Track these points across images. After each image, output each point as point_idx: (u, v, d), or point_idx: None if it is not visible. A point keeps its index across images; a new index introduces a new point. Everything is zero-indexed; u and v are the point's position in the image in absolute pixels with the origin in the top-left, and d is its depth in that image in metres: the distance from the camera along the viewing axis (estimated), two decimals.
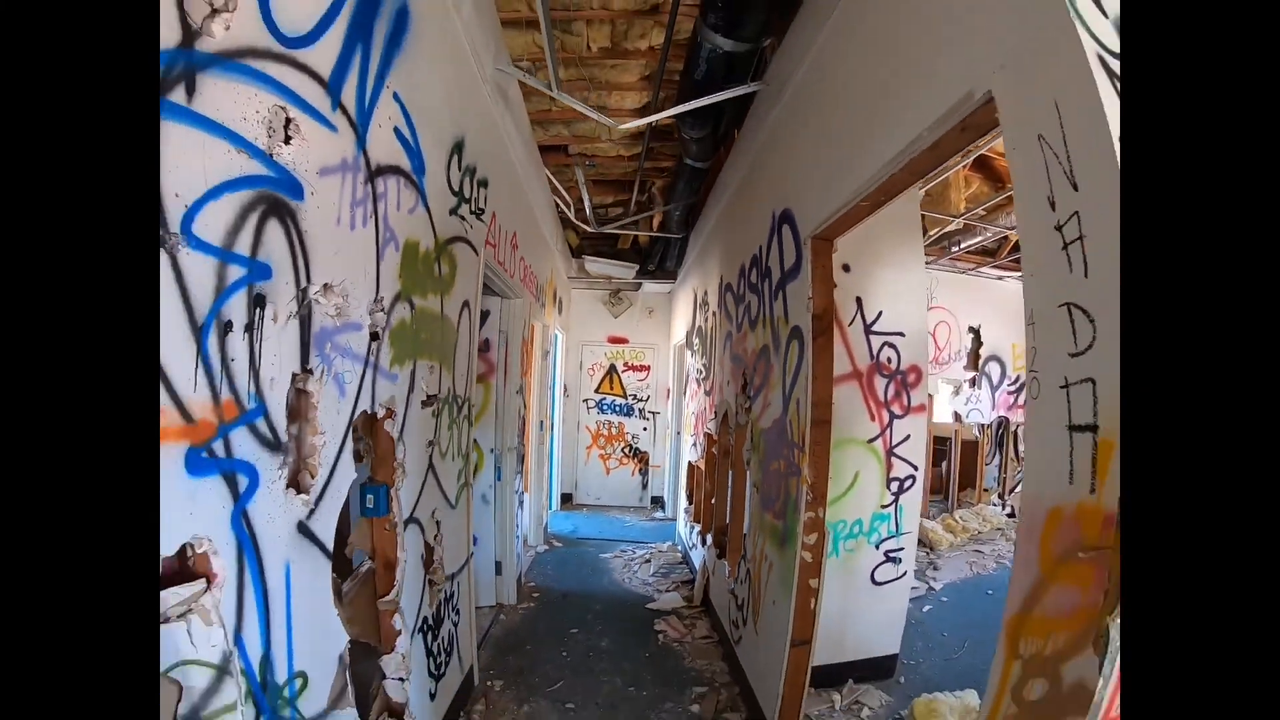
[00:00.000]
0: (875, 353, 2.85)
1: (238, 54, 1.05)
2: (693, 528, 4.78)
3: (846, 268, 2.83)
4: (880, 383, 2.87)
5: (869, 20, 1.85)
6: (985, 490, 6.95)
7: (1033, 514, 1.08)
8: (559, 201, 5.02)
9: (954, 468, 6.59)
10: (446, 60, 2.14)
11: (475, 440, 3.00)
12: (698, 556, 4.41)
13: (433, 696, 2.28)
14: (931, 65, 1.47)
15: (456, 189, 2.30)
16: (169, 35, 0.90)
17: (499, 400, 3.66)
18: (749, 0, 2.45)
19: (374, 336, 1.57)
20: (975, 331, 6.73)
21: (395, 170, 1.69)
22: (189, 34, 0.94)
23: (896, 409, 2.91)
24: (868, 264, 2.87)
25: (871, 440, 2.84)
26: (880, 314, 2.88)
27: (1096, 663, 0.95)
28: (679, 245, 5.91)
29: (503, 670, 3.14)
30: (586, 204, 4.67)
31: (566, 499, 7.49)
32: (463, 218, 2.41)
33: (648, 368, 7.60)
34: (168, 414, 0.90)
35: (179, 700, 1.06)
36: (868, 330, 2.84)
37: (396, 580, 1.81)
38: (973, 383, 6.83)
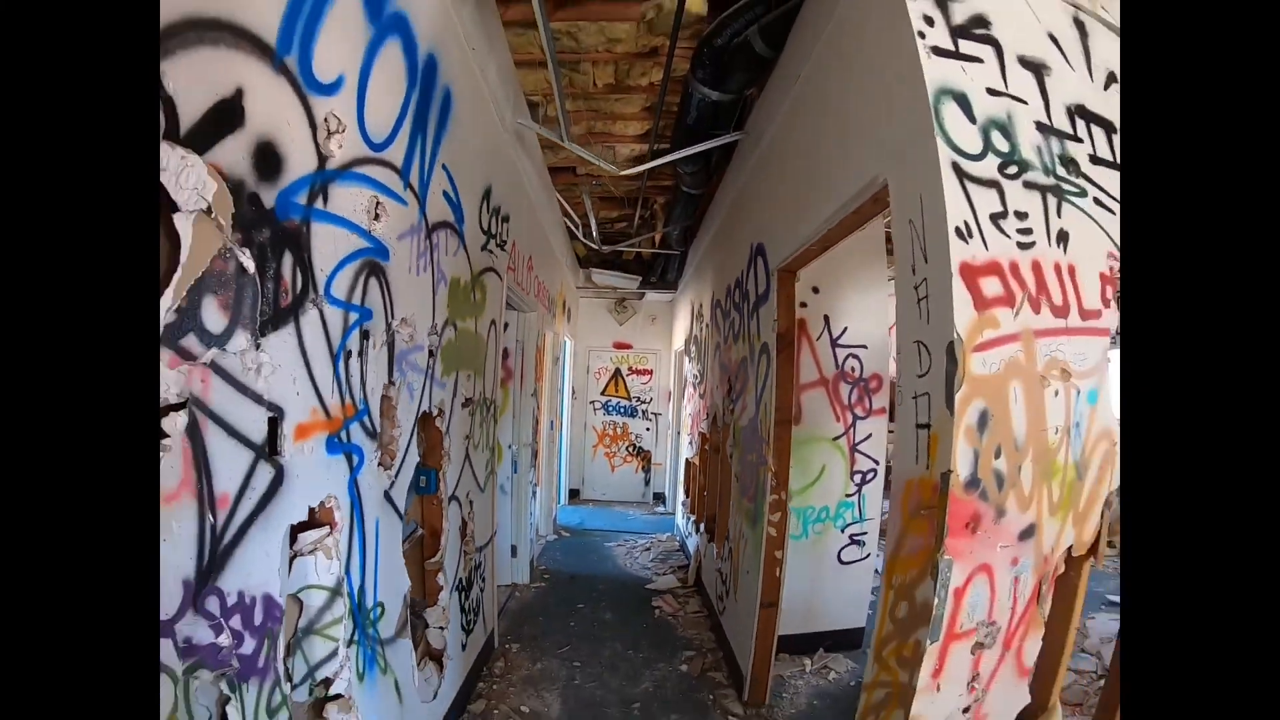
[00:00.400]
0: (840, 363, 3.31)
1: (349, 165, 1.52)
2: (689, 519, 5.25)
3: (816, 289, 3.29)
4: (845, 389, 3.33)
5: (816, 101, 2.31)
6: None
7: (898, 485, 1.55)
8: (567, 221, 5.50)
9: None
10: (478, 123, 2.62)
11: (497, 437, 3.48)
12: (693, 544, 4.88)
13: (463, 648, 2.76)
14: (855, 149, 1.94)
15: (486, 228, 2.79)
16: (309, 162, 1.38)
17: (516, 402, 4.14)
18: (730, 62, 2.92)
19: (430, 354, 2.06)
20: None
21: (445, 225, 2.17)
22: (321, 160, 1.42)
23: (859, 411, 3.37)
24: (835, 286, 3.33)
25: (836, 438, 3.30)
26: (845, 329, 3.34)
27: (933, 586, 1.42)
28: (678, 259, 6.38)
29: (518, 636, 3.62)
30: (593, 226, 5.15)
31: (574, 494, 7.97)
32: (490, 251, 2.89)
33: (650, 372, 8.08)
34: (317, 413, 1.38)
35: (300, 614, 1.54)
36: (834, 343, 3.31)
37: (442, 545, 2.29)
38: None
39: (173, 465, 0.97)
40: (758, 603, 2.73)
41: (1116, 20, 1.96)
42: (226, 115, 1.06)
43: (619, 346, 8.10)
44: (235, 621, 1.14)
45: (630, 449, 8.12)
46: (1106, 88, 1.85)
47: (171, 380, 0.97)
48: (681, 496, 6.00)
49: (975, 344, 1.32)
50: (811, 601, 3.39)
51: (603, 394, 8.11)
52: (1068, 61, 1.78)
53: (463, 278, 2.43)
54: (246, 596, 1.16)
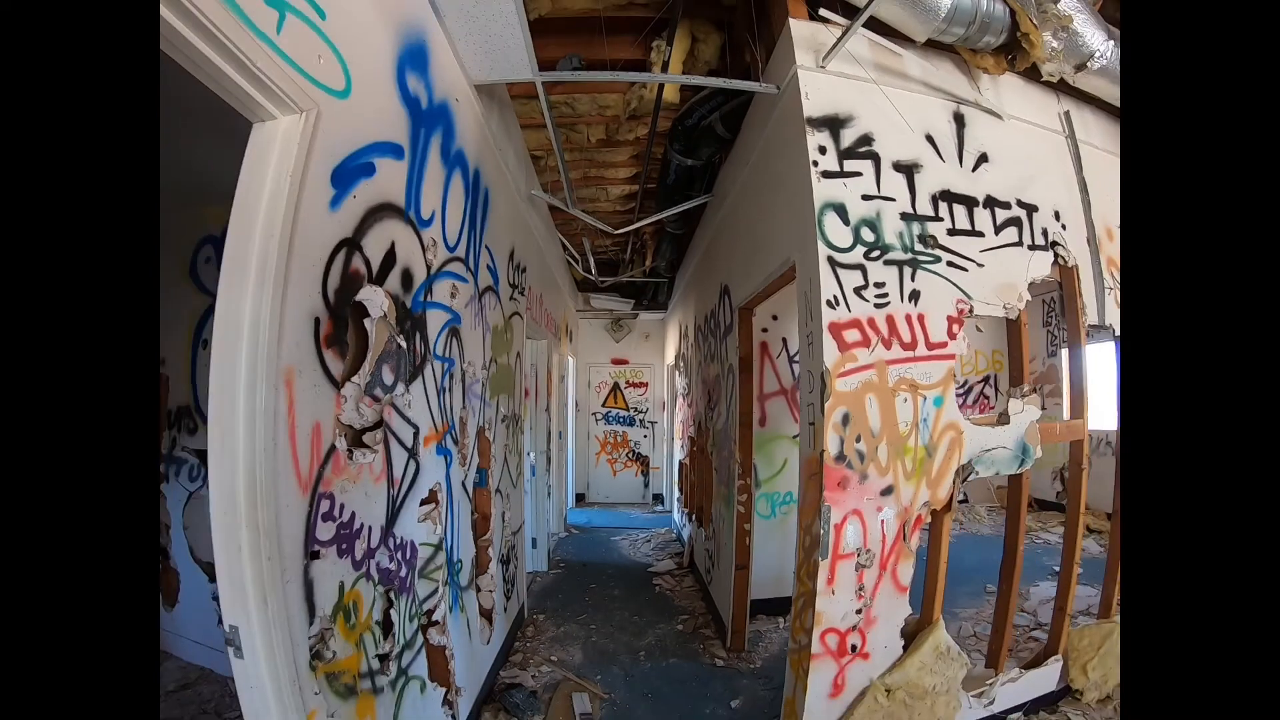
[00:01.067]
0: (796, 375, 4.09)
1: (440, 267, 2.30)
2: (683, 513, 6.02)
3: (775, 317, 4.07)
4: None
5: (760, 183, 3.10)
6: None
7: (802, 462, 2.33)
8: (568, 256, 6.29)
9: None
10: (504, 202, 3.40)
11: (521, 445, 4.24)
12: (687, 533, 5.64)
13: (504, 611, 3.51)
14: (778, 232, 2.73)
15: (511, 282, 3.57)
16: (422, 274, 2.14)
17: (533, 416, 4.90)
18: (699, 139, 3.71)
19: (483, 385, 2.83)
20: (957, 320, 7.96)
21: (489, 289, 2.95)
22: (428, 269, 2.19)
23: None
24: (789, 315, 4.11)
25: (794, 436, 4.08)
26: (798, 349, 4.12)
27: (820, 523, 2.19)
28: (668, 283, 7.18)
29: (543, 608, 4.37)
30: (591, 263, 5.94)
31: (580, 498, 8.72)
32: (514, 299, 3.67)
33: (646, 384, 8.86)
34: (433, 429, 2.15)
35: (416, 562, 2.30)
36: (791, 360, 4.09)
37: (491, 526, 3.05)
38: (963, 390, 8.05)
39: (376, 460, 1.74)
40: (733, 565, 3.50)
41: (997, 104, 2.74)
42: (389, 259, 1.84)
43: (616, 362, 8.89)
44: (399, 556, 1.90)
45: (630, 455, 8.88)
46: (975, 168, 2.65)
47: (371, 413, 1.74)
48: (677, 494, 6.77)
49: (839, 372, 2.11)
50: (782, 571, 4.15)
51: (603, 406, 8.88)
52: (940, 155, 2.58)
53: (499, 324, 3.21)
54: (404, 541, 1.93)
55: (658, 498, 8.69)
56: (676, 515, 6.79)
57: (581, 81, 3.40)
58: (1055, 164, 2.92)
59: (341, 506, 1.55)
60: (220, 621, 1.29)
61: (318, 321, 1.43)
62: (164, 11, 0.97)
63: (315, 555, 1.42)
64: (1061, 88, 2.94)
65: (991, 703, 2.66)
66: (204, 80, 1.17)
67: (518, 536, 3.86)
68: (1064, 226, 2.82)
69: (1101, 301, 2.93)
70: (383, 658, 1.77)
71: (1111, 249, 2.98)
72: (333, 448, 1.51)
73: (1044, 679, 2.83)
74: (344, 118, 1.52)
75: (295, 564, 1.35)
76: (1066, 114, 3.03)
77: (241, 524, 1.22)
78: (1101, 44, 2.61)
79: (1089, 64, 2.66)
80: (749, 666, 3.46)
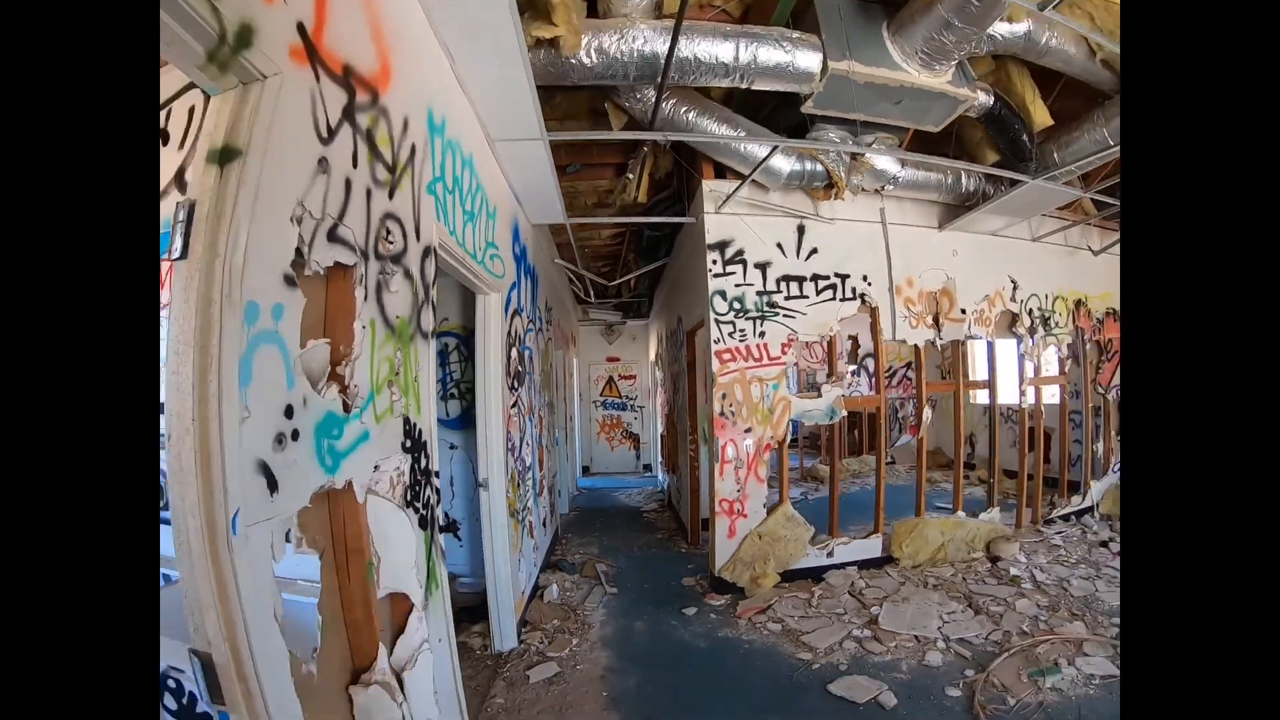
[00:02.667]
0: None
1: (526, 324, 4.51)
2: (664, 469, 8.29)
3: None
4: None
5: (689, 267, 5.31)
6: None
7: (710, 417, 4.57)
8: (574, 286, 8.49)
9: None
10: (541, 271, 5.59)
11: (556, 422, 6.50)
12: (667, 483, 7.92)
13: (545, 526, 5.74)
14: (697, 296, 4.94)
15: (546, 320, 5.78)
16: (521, 332, 4.35)
17: (558, 404, 7.14)
18: (659, 240, 5.94)
19: (539, 385, 5.06)
20: (854, 339, 10.24)
21: (539, 329, 5.17)
22: (524, 329, 4.39)
23: None
24: None
25: None
26: None
27: (716, 445, 4.44)
28: (648, 300, 9.41)
29: (568, 530, 6.63)
30: (590, 289, 8.16)
31: (585, 470, 10.97)
32: (545, 330, 5.89)
33: (634, 376, 11.10)
34: (529, 409, 4.38)
35: (524, 469, 4.55)
36: None
37: (545, 465, 5.28)
38: (855, 373, 10.34)
39: (516, 422, 3.96)
40: (689, 491, 5.76)
41: (831, 213, 4.91)
42: (513, 331, 4.04)
43: (610, 360, 11.12)
44: (521, 464, 4.13)
45: (624, 433, 11.15)
46: (807, 258, 4.87)
47: (511, 399, 3.95)
48: (660, 459, 9.04)
49: (720, 374, 4.37)
50: None
51: (601, 395, 11.13)
52: (784, 254, 4.81)
53: (543, 347, 5.44)
54: (522, 458, 4.16)
55: (647, 467, 10.96)
56: (660, 475, 9.07)
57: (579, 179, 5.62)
58: (869, 243, 5.09)
59: (513, 439, 3.77)
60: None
61: (507, 366, 3.65)
62: (446, 256, 3.17)
63: (512, 450, 3.65)
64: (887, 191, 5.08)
65: (831, 554, 4.89)
66: (459, 280, 3.36)
67: (559, 477, 6.12)
68: (870, 283, 5.04)
69: (894, 325, 5.15)
70: (514, 509, 4.01)
71: (910, 291, 5.19)
72: (510, 416, 3.73)
73: (870, 547, 5.05)
74: (507, 285, 3.73)
75: (505, 456, 3.57)
76: (882, 209, 5.23)
77: (497, 444, 3.44)
78: (897, 170, 4.68)
79: (890, 184, 4.81)
80: (698, 551, 5.72)
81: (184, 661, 1.60)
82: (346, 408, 1.45)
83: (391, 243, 1.79)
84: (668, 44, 3.06)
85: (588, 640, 3.83)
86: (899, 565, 4.90)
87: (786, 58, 3.38)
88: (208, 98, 1.20)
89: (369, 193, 1.65)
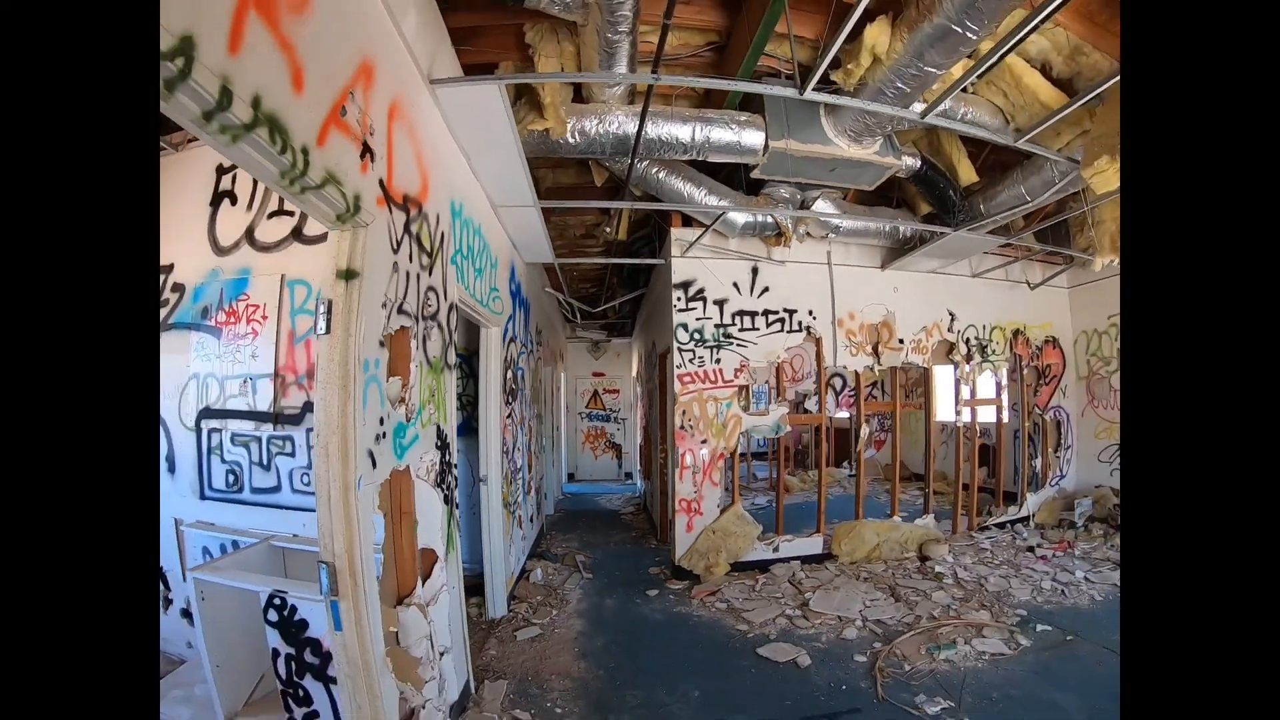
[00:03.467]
0: None
1: (520, 348, 5.33)
2: (642, 476, 9.09)
3: None
4: None
5: (661, 299, 6.16)
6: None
7: (672, 430, 5.40)
8: (563, 311, 9.32)
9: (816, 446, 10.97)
10: (534, 300, 6.42)
11: (544, 431, 7.30)
12: (643, 488, 8.72)
13: (532, 521, 6.52)
14: (665, 327, 5.79)
15: (537, 341, 6.61)
16: (515, 355, 5.17)
17: (546, 416, 7.94)
18: (639, 253, 6.79)
19: (530, 399, 5.87)
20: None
21: (531, 350, 5.99)
22: (518, 353, 5.21)
23: None
24: None
25: None
26: None
27: (675, 453, 5.28)
28: (631, 321, 10.26)
29: (553, 528, 7.41)
30: (576, 313, 9.01)
31: (571, 477, 11.75)
32: (536, 351, 6.71)
33: (618, 391, 11.93)
34: (528, 421, 5.19)
35: (515, 469, 5.37)
36: None
37: (534, 469, 6.08)
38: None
39: (510, 429, 4.77)
40: (660, 493, 6.57)
41: (783, 256, 5.77)
42: (510, 357, 4.87)
43: (596, 375, 11.95)
44: (513, 464, 4.93)
45: (607, 443, 11.95)
46: (759, 295, 5.74)
47: (507, 411, 4.76)
48: (638, 466, 9.85)
49: (681, 394, 5.21)
50: None
51: (586, 408, 11.94)
52: (739, 292, 5.68)
53: (534, 367, 6.25)
54: (514, 460, 4.97)
55: (629, 475, 11.75)
56: (639, 482, 9.88)
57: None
58: (817, 282, 5.96)
59: (507, 443, 4.58)
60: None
61: (503, 384, 4.47)
62: (463, 307, 4.00)
63: (507, 453, 4.46)
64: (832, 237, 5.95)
65: (776, 549, 5.72)
66: (468, 317, 4.17)
67: (545, 479, 6.92)
68: (815, 317, 5.90)
69: (835, 352, 6.01)
70: (508, 501, 4.81)
71: (851, 324, 6.05)
72: (505, 424, 4.54)
73: (812, 545, 5.88)
74: (505, 319, 4.56)
75: (501, 458, 4.37)
76: (829, 253, 6.10)
77: (495, 448, 4.25)
78: (840, 220, 5.53)
79: (834, 232, 5.69)
80: (666, 547, 6.51)
81: (289, 585, 2.42)
82: (408, 418, 2.27)
83: (430, 306, 2.62)
84: (635, 125, 3.87)
85: (565, 612, 4.63)
86: (837, 561, 5.72)
87: (735, 137, 4.17)
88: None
89: (418, 276, 2.48)
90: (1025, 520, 6.81)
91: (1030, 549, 5.95)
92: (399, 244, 2.28)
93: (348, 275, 1.93)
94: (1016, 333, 6.88)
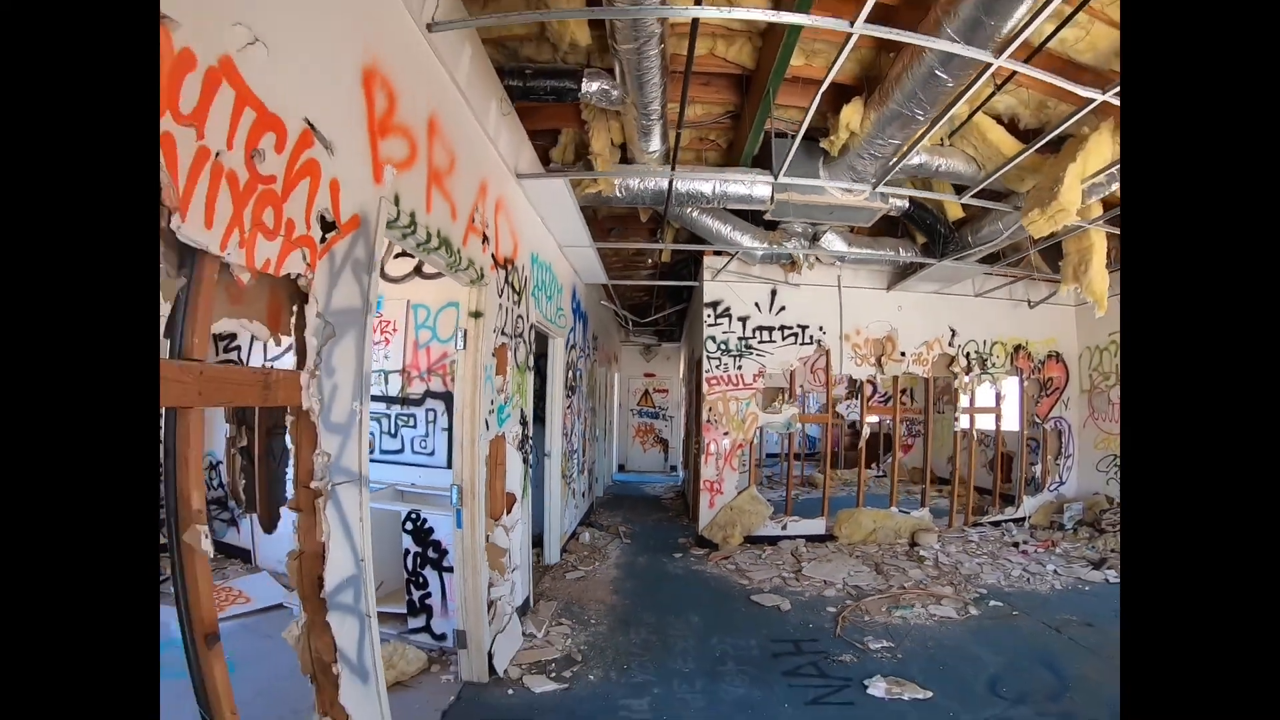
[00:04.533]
0: None
1: (580, 353, 6.64)
2: (685, 469, 10.28)
3: None
4: None
5: (696, 314, 7.33)
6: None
7: (702, 423, 6.57)
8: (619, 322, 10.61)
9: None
10: (591, 311, 7.72)
11: (598, 424, 8.62)
12: (683, 477, 9.90)
13: (583, 496, 7.82)
14: (698, 338, 6.96)
15: (594, 346, 7.91)
16: (575, 359, 6.47)
17: (601, 410, 9.25)
18: (680, 275, 8.00)
19: (587, 394, 7.18)
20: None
21: (588, 355, 7.30)
22: (577, 358, 6.52)
23: None
24: None
25: None
26: None
27: (700, 443, 6.46)
28: (679, 328, 11.46)
29: (602, 508, 8.71)
30: (629, 322, 10.29)
31: (621, 467, 13.05)
32: (593, 355, 8.01)
33: (667, 390, 13.15)
34: (578, 411, 6.50)
35: (573, 450, 6.69)
36: None
37: (587, 453, 7.39)
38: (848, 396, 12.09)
39: (570, 420, 6.07)
40: (693, 479, 7.75)
41: (799, 280, 6.87)
42: (571, 361, 6.17)
43: (647, 375, 13.21)
44: (570, 445, 6.24)
45: (655, 438, 13.19)
46: (777, 314, 6.86)
47: (570, 405, 6.06)
48: (681, 460, 11.04)
49: (708, 394, 6.38)
50: None
51: (638, 405, 13.22)
52: (759, 310, 6.82)
53: (591, 368, 7.56)
54: (572, 442, 6.28)
55: (673, 467, 12.94)
56: (681, 472, 11.07)
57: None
58: (827, 301, 7.01)
59: (566, 428, 5.88)
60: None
61: (565, 381, 5.78)
62: (538, 325, 5.31)
63: (566, 436, 5.77)
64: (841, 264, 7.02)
65: (785, 528, 6.79)
66: (540, 332, 5.48)
67: (599, 462, 8.25)
68: (824, 332, 6.95)
69: (841, 363, 7.03)
70: (565, 474, 6.11)
71: (857, 339, 7.07)
72: (566, 414, 5.85)
73: (816, 526, 6.90)
74: (567, 330, 5.87)
75: (561, 439, 5.68)
76: (839, 276, 7.13)
77: (557, 430, 5.56)
78: (845, 250, 6.55)
79: (842, 260, 6.75)
80: (694, 524, 7.67)
81: (425, 506, 3.78)
82: (505, 402, 3.59)
83: (519, 328, 3.93)
84: (670, 181, 5.03)
85: (605, 564, 5.90)
86: (837, 542, 6.74)
87: (747, 190, 5.25)
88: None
89: (511, 308, 3.79)
90: (1020, 521, 7.55)
91: (1015, 544, 6.73)
92: (502, 291, 3.58)
93: (475, 314, 3.24)
94: (1018, 348, 7.62)
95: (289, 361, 1.77)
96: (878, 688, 3.51)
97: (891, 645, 4.20)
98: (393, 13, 2.20)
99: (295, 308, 1.71)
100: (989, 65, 2.84)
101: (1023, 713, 3.34)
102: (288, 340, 1.76)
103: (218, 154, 1.35)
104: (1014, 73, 3.16)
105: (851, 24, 2.44)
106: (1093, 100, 3.11)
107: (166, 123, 1.19)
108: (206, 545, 1.40)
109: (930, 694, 3.47)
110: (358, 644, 1.94)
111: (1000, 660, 3.98)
